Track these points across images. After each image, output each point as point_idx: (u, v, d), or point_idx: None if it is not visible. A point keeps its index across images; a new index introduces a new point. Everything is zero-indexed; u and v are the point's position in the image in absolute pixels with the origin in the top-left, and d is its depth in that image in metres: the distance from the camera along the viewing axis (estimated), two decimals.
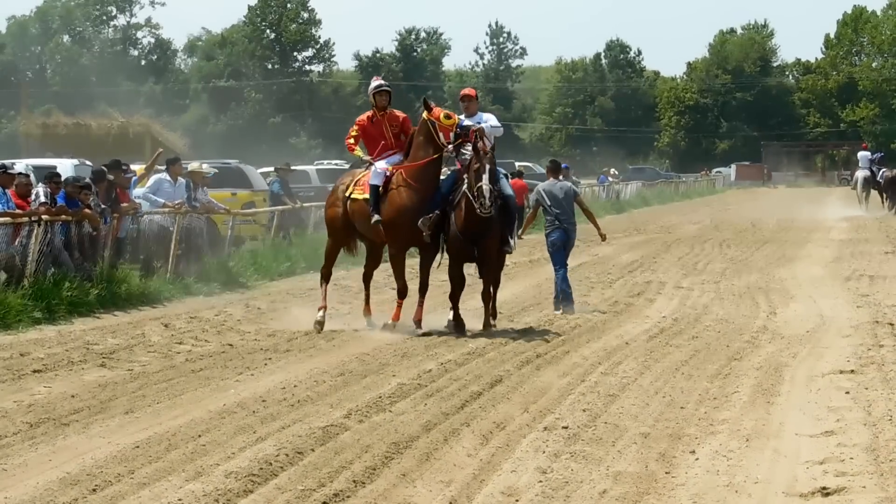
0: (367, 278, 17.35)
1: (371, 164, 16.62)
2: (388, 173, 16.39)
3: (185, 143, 43.49)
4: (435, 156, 16.23)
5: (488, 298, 16.65)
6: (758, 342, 15.12)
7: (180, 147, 40.96)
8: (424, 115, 16.24)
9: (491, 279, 16.62)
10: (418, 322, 16.14)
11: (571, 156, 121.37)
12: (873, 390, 11.61)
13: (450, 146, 16.13)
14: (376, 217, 16.33)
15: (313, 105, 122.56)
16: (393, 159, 16.56)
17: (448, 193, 16.32)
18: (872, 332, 15.58)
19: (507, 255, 17.11)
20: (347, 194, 16.88)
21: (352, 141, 16.83)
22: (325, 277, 17.32)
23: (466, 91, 17.01)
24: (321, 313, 16.59)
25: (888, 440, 9.47)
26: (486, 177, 15.66)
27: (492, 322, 16.66)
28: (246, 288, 22.62)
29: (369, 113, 16.91)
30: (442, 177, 16.87)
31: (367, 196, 16.46)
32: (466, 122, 16.23)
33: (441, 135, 16.09)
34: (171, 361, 14.04)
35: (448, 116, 16.15)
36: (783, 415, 10.69)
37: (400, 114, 16.93)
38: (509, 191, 16.53)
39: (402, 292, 16.47)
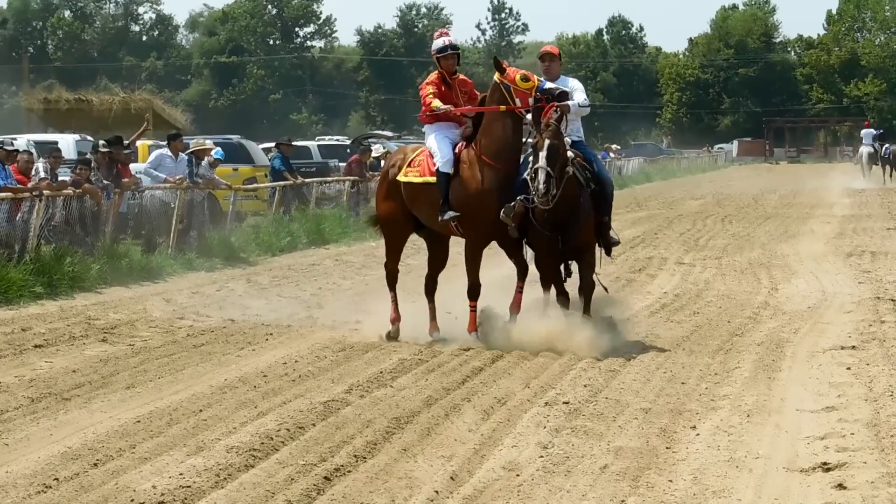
0: (431, 286, 14.20)
1: (454, 116, 13.78)
2: (455, 151, 13.65)
3: (186, 119, 43.41)
4: (513, 124, 13.43)
5: (588, 296, 13.56)
6: (759, 318, 15.11)
7: (182, 123, 40.88)
8: (496, 77, 13.45)
9: (585, 273, 13.41)
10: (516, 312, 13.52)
11: None
12: (875, 366, 11.61)
13: (528, 115, 13.31)
14: (449, 213, 13.46)
15: (315, 81, 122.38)
16: (451, 134, 13.80)
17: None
18: (874, 308, 15.57)
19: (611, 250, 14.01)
20: (400, 178, 13.99)
21: (431, 99, 13.67)
22: (393, 280, 14.36)
23: (548, 49, 13.99)
24: (394, 327, 13.98)
25: (889, 416, 9.47)
26: (542, 155, 12.68)
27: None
28: (248, 263, 22.62)
29: (438, 74, 13.99)
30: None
31: (427, 179, 13.66)
32: (548, 85, 13.31)
33: (518, 101, 13.30)
34: (172, 336, 14.06)
35: (525, 78, 13.29)
36: (784, 390, 10.69)
37: (468, 80, 14.15)
38: (605, 173, 13.72)
39: (474, 291, 13.57)
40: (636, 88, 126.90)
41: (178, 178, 22.10)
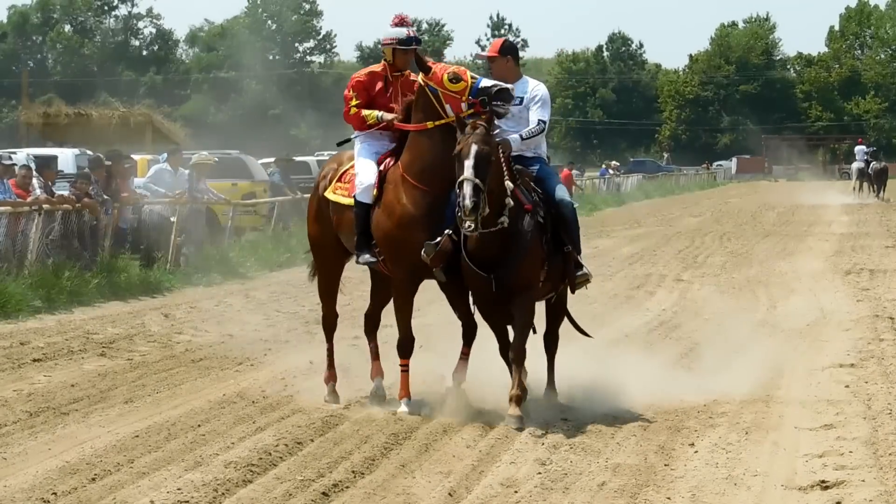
0: (371, 323, 11.59)
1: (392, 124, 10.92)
2: (381, 168, 10.83)
3: (185, 134, 43.39)
4: (442, 136, 10.47)
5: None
6: (757, 336, 15.10)
7: (181, 137, 40.87)
8: (421, 78, 10.66)
9: (518, 329, 10.45)
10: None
11: (572, 148, 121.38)
12: (873, 384, 11.61)
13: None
14: (365, 257, 10.73)
15: (314, 96, 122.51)
16: (380, 146, 11.03)
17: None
18: (872, 326, 15.56)
19: (575, 291, 11.13)
20: (328, 194, 11.23)
21: (354, 110, 11.10)
22: (330, 327, 11.72)
23: (489, 52, 11.00)
24: (329, 386, 11.29)
25: (888, 434, 9.47)
26: (468, 164, 9.91)
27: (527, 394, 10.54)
28: (246, 278, 22.62)
29: (377, 69, 11.31)
30: None
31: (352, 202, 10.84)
32: (485, 83, 10.42)
33: (448, 106, 10.46)
34: (170, 351, 14.05)
35: (455, 78, 10.43)
36: (782, 408, 10.69)
37: (417, 80, 10.84)
38: (561, 194, 10.81)
39: (405, 347, 10.79)
40: (635, 105, 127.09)
41: (177, 192, 22.14)
